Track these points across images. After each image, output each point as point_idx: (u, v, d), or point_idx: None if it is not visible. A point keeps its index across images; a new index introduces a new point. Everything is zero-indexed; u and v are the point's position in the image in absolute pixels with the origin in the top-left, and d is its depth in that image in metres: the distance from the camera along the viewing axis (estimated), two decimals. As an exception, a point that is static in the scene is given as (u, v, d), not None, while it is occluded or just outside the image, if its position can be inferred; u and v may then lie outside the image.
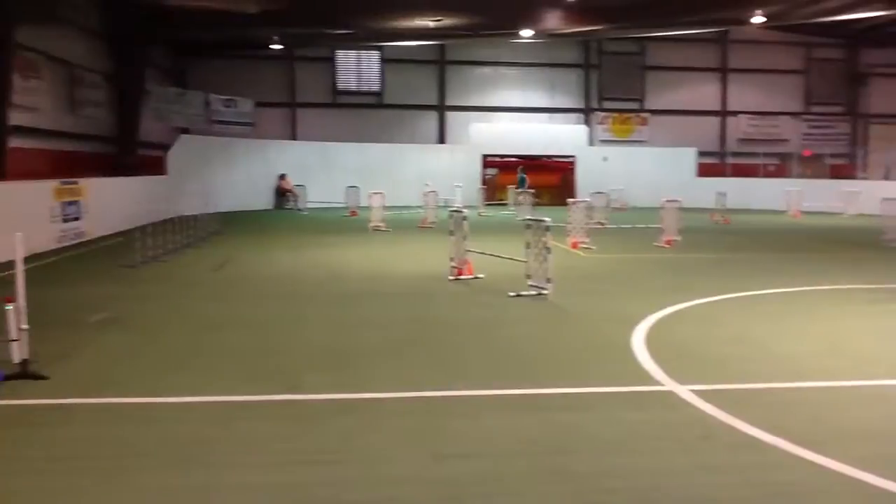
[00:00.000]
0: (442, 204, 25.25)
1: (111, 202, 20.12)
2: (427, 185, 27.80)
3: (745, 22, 27.59)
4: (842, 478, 4.74)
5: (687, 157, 37.31)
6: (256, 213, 30.04)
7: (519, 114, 37.77)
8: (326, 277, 13.22)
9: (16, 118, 17.46)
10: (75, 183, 18.41)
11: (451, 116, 37.50)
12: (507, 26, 29.25)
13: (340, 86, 36.89)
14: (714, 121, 39.19)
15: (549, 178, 36.36)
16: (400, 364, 7.41)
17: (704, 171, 37.11)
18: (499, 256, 13.23)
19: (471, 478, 4.74)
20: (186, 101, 30.73)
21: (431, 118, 37.52)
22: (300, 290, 11.94)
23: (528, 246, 11.35)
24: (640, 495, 4.53)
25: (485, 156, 36.39)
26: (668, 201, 18.45)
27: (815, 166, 37.99)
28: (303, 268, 14.47)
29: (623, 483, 4.71)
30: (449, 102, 37.49)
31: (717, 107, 39.14)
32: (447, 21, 27.69)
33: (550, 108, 38.12)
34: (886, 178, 35.57)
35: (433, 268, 13.75)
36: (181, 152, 28.43)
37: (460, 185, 31.09)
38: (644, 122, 38.64)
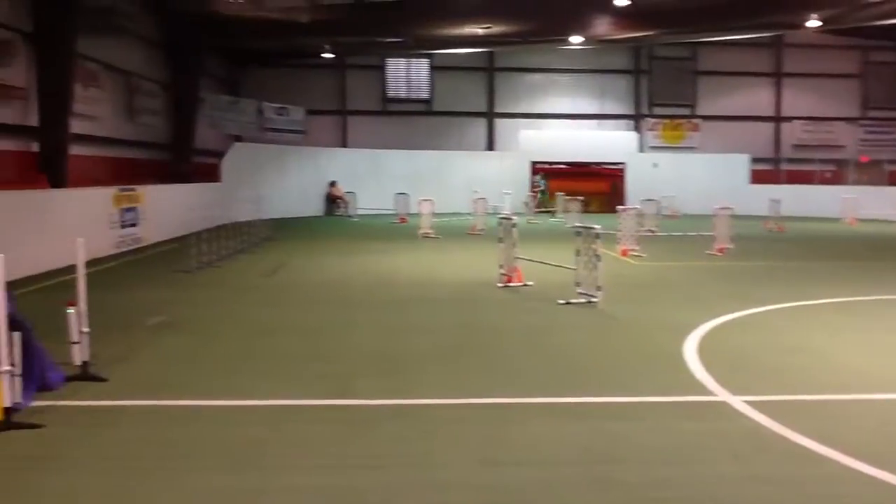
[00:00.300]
0: (493, 208, 25.41)
1: (167, 209, 20.57)
2: (476, 192, 27.85)
3: (801, 26, 27.03)
4: (902, 493, 4.63)
5: (740, 164, 36.68)
6: (307, 220, 30.42)
7: (568, 120, 37.58)
8: (376, 283, 13.32)
9: (76, 126, 17.97)
10: (133, 190, 18.89)
11: (499, 123, 37.48)
12: (557, 33, 29.14)
13: (390, 93, 37.17)
14: (768, 126, 38.45)
15: (599, 185, 36.11)
16: (449, 370, 7.44)
17: (758, 177, 36.43)
18: (548, 264, 13.20)
19: (519, 485, 4.74)
20: (240, 109, 31.29)
21: (480, 125, 37.56)
22: (351, 295, 12.05)
23: (577, 253, 11.29)
24: (692, 506, 4.48)
25: (534, 163, 36.29)
26: (720, 209, 18.19)
27: (873, 173, 37.03)
28: (353, 274, 14.60)
29: (673, 493, 4.66)
30: (498, 109, 37.47)
31: (770, 112, 38.40)
32: (496, 28, 27.72)
33: (600, 114, 37.84)
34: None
35: (482, 275, 13.77)
36: (234, 160, 28.94)
37: (509, 192, 31.08)
38: (696, 128, 38.09)
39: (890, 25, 28.18)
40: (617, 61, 37.38)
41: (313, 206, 33.27)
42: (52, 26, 16.42)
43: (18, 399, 5.84)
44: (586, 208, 28.85)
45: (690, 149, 37.77)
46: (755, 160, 37.01)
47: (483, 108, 37.45)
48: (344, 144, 36.34)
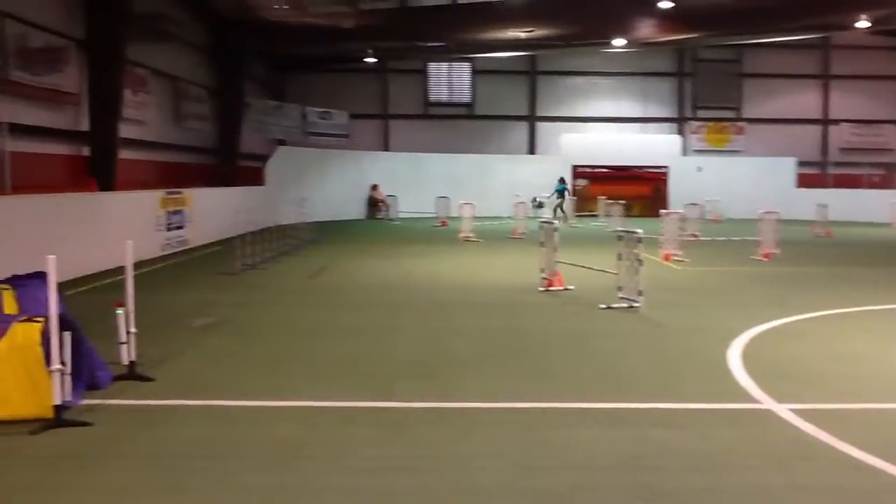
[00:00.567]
0: (535, 202, 24.93)
1: (212, 211, 20.90)
2: (517, 195, 27.80)
3: (849, 27, 26.52)
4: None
5: (786, 168, 36.06)
6: (349, 223, 30.65)
7: (610, 124, 37.32)
8: (417, 286, 13.38)
9: (125, 131, 18.37)
10: (180, 193, 19.23)
11: (541, 127, 37.38)
12: (600, 36, 28.99)
13: (432, 97, 37.30)
14: (815, 129, 37.72)
15: (641, 189, 35.79)
16: (489, 374, 7.44)
17: (805, 181, 35.77)
18: (589, 268, 13.12)
19: (558, 491, 4.72)
20: (284, 113, 31.68)
21: (522, 129, 37.49)
22: (392, 298, 12.12)
23: (619, 258, 11.21)
24: (735, 515, 4.43)
25: (575, 166, 36.10)
26: (765, 213, 17.90)
27: (923, 176, 36.15)
28: (394, 277, 14.68)
29: (717, 502, 4.60)
30: (540, 113, 37.37)
31: (817, 115, 37.67)
32: (538, 32, 27.66)
33: (643, 117, 37.52)
34: None
35: (523, 279, 13.74)
36: (278, 163, 29.29)
37: (550, 195, 30.98)
38: (741, 132, 37.55)
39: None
40: (660, 64, 37.04)
41: (355, 209, 33.52)
42: (104, 33, 16.83)
43: (68, 397, 5.98)
44: (628, 212, 28.61)
45: (735, 152, 37.25)
46: (802, 164, 36.36)
47: (524, 111, 37.38)
48: (386, 148, 36.57)
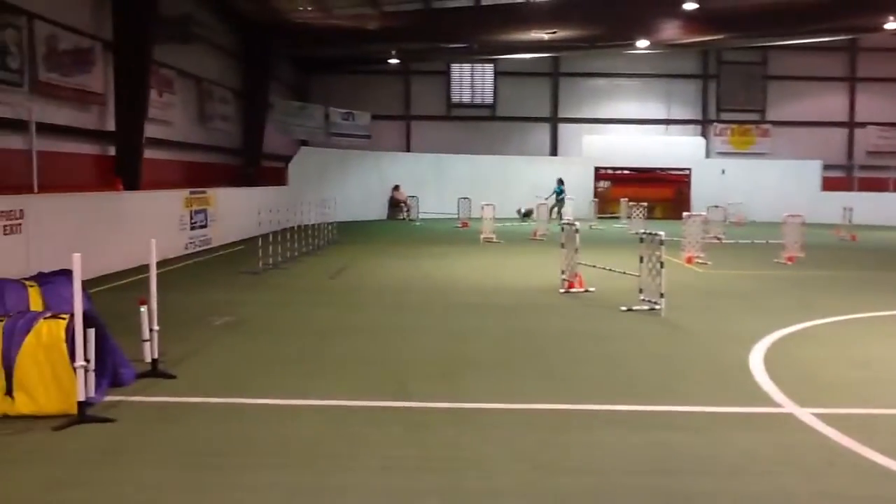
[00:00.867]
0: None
1: (235, 211, 21.05)
2: (538, 197, 27.75)
3: (878, 29, 26.20)
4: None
5: (811, 171, 35.69)
6: (370, 224, 30.74)
7: (633, 125, 37.16)
8: (437, 287, 13.39)
9: (151, 131, 18.55)
10: (203, 193, 19.39)
11: (563, 128, 37.30)
12: (623, 38, 28.87)
13: (454, 98, 37.35)
14: (841, 132, 37.32)
15: (664, 191, 35.59)
16: (507, 375, 7.43)
17: (830, 185, 35.39)
18: (610, 270, 13.07)
19: (575, 493, 4.71)
20: (307, 114, 31.87)
21: (544, 130, 37.42)
22: (411, 299, 12.15)
23: (641, 260, 11.16)
24: (755, 520, 4.40)
25: (597, 168, 35.98)
26: (790, 216, 17.74)
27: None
28: (414, 277, 14.71)
29: (737, 506, 4.57)
30: (562, 114, 37.29)
31: (844, 118, 37.26)
32: (561, 33, 27.60)
33: (666, 119, 37.32)
34: None
35: (544, 280, 13.71)
36: (301, 164, 29.46)
37: (572, 197, 30.89)
38: (765, 134, 37.23)
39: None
40: (684, 65, 36.83)
41: (377, 209, 33.62)
42: (131, 35, 17.00)
43: (92, 394, 6.06)
44: (651, 214, 28.46)
45: (760, 155, 36.94)
46: (827, 167, 35.98)
47: (547, 113, 37.32)
48: (408, 149, 36.66)
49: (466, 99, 37.47)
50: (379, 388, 6.91)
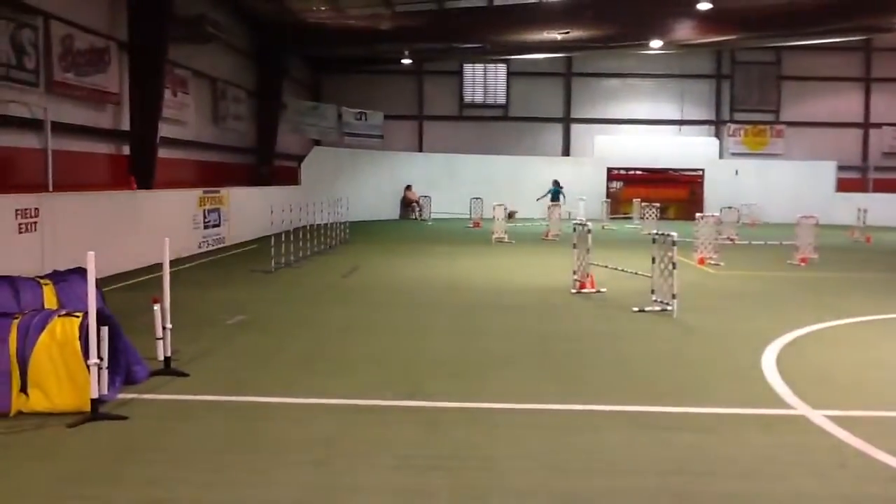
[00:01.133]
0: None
1: (248, 210, 21.14)
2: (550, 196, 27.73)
3: (893, 29, 26.03)
4: None
5: (826, 172, 35.47)
6: (383, 223, 30.79)
7: (646, 126, 37.03)
8: (449, 287, 13.40)
9: (165, 130, 18.66)
10: (217, 192, 19.48)
11: (576, 129, 37.22)
12: (637, 38, 28.75)
13: (467, 99, 37.34)
14: (855, 133, 37.04)
15: (677, 191, 35.49)
16: (520, 375, 7.43)
17: (844, 186, 35.16)
18: (622, 270, 13.04)
19: (588, 494, 4.71)
20: (320, 113, 31.96)
21: (556, 130, 37.36)
22: (423, 298, 12.17)
23: (653, 261, 11.13)
24: (767, 521, 4.38)
25: (610, 168, 35.89)
26: (803, 217, 17.65)
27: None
28: (426, 277, 14.72)
29: (749, 508, 4.56)
30: (574, 115, 37.21)
31: (859, 118, 36.98)
32: (575, 33, 27.55)
33: (679, 120, 37.17)
34: None
35: (555, 280, 13.70)
36: (313, 163, 29.54)
37: (584, 197, 30.83)
38: (779, 135, 37.02)
39: None
40: (697, 65, 36.66)
41: (389, 209, 33.67)
42: (146, 35, 17.09)
43: (105, 391, 6.10)
44: (663, 215, 28.36)
45: (774, 155, 36.73)
46: (842, 168, 35.74)
47: (559, 113, 37.25)
48: (420, 149, 36.68)
49: (479, 99, 37.46)
50: (391, 387, 6.93)
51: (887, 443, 5.51)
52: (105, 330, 6.01)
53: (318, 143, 32.08)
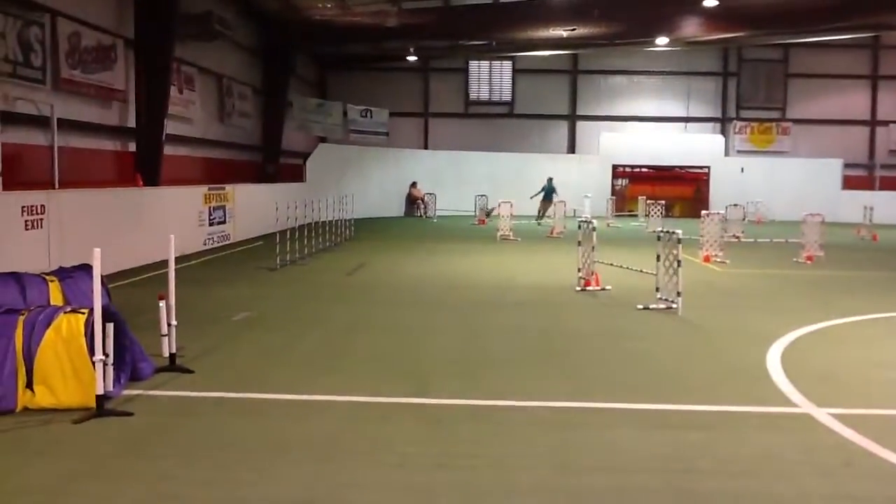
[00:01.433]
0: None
1: (254, 207, 21.17)
2: (556, 194, 27.68)
3: (902, 26, 25.93)
4: None
5: (832, 169, 35.36)
6: (388, 220, 30.80)
7: (652, 123, 36.94)
8: (454, 285, 13.40)
9: (171, 127, 18.68)
10: (222, 189, 19.51)
11: (581, 126, 37.14)
12: (643, 35, 28.70)
13: (472, 96, 37.30)
14: (862, 131, 36.89)
15: (682, 189, 35.43)
16: (525, 373, 7.43)
17: (851, 183, 35.05)
18: (627, 268, 13.03)
19: (593, 491, 4.71)
20: (326, 111, 31.95)
21: (562, 128, 37.30)
22: (429, 296, 12.17)
23: (658, 258, 11.11)
24: (771, 520, 4.38)
25: (615, 166, 35.83)
26: (809, 215, 17.60)
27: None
28: (431, 274, 14.72)
29: (753, 506, 4.55)
30: (580, 112, 37.12)
31: (866, 116, 36.81)
32: (581, 30, 27.50)
33: (685, 117, 37.06)
34: None
35: (560, 278, 13.69)
36: (319, 160, 29.55)
37: (589, 195, 30.78)
38: (786, 132, 36.89)
39: None
40: (704, 63, 36.53)
41: (394, 206, 33.67)
42: (152, 32, 17.12)
43: (111, 387, 6.12)
44: (669, 213, 28.30)
45: (780, 153, 36.62)
46: (848, 165, 35.63)
47: (565, 110, 37.19)
48: (425, 146, 36.67)
49: (485, 96, 37.41)
50: (396, 384, 6.93)
51: (893, 441, 5.49)
52: (111, 326, 6.03)
53: (323, 140, 32.09)
